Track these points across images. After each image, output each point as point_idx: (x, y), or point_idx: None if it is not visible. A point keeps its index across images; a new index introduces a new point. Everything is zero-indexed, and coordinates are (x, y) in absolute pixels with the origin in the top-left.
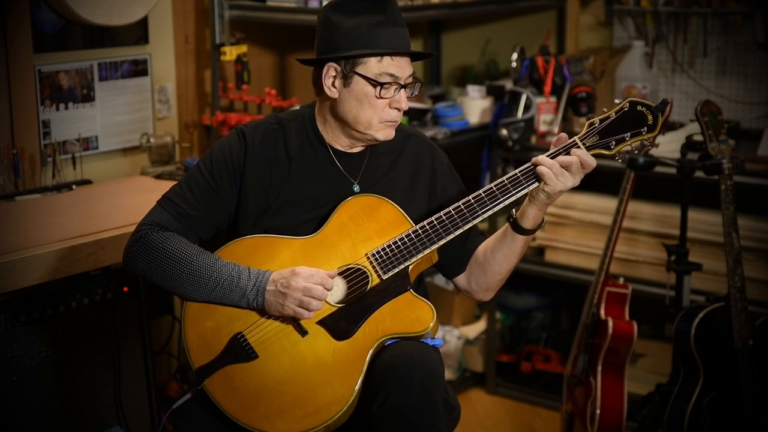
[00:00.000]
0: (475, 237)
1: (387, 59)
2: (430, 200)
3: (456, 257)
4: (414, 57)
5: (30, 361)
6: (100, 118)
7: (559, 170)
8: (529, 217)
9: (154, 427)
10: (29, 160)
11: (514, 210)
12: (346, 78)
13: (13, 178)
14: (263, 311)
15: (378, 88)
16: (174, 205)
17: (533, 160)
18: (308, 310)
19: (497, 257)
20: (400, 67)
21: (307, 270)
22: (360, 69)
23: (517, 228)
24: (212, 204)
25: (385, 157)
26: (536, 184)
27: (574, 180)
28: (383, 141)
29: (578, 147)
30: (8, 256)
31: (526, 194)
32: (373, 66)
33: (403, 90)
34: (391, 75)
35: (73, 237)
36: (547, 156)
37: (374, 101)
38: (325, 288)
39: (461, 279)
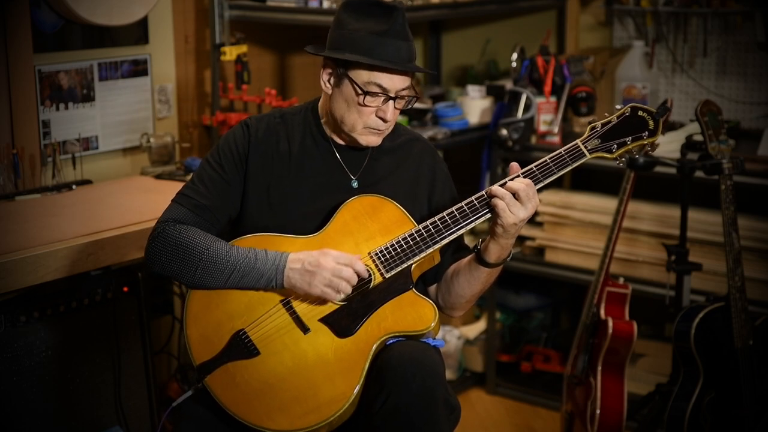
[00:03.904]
0: (457, 252)
1: (377, 70)
2: (429, 206)
3: (434, 267)
4: (401, 72)
5: (30, 361)
6: (100, 118)
7: (511, 200)
8: (491, 252)
9: (154, 427)
10: (29, 160)
11: (480, 240)
12: (339, 78)
13: (13, 178)
14: (266, 306)
15: (363, 96)
16: (188, 199)
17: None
18: (337, 291)
19: (460, 281)
20: (391, 80)
21: (335, 251)
22: (351, 73)
23: (480, 260)
24: (224, 193)
25: (388, 156)
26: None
27: (525, 210)
28: (365, 146)
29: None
30: (8, 256)
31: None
32: (362, 74)
33: (391, 101)
34: (379, 86)
35: (73, 237)
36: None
37: (359, 107)
38: (354, 269)
39: (432, 290)
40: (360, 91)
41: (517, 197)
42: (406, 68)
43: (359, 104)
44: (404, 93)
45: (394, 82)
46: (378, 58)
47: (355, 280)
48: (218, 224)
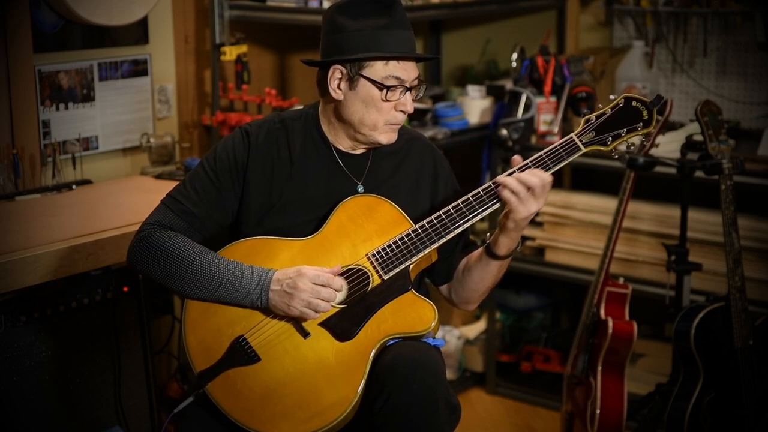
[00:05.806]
0: (466, 248)
1: (393, 62)
2: (432, 204)
3: (445, 266)
4: (419, 59)
5: (30, 361)
6: (100, 118)
7: (526, 195)
8: (501, 245)
9: (154, 428)
10: (29, 160)
11: (488, 234)
12: (351, 80)
13: (13, 178)
14: (265, 312)
15: (384, 91)
16: (177, 204)
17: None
18: (316, 311)
19: (473, 275)
20: (406, 70)
21: (312, 270)
22: (366, 72)
23: (490, 253)
24: (215, 202)
25: (388, 158)
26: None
27: (537, 204)
28: (385, 144)
29: (531, 167)
30: (8, 256)
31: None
32: (379, 69)
33: (408, 93)
34: (397, 78)
35: (73, 237)
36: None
37: (380, 104)
38: (332, 288)
39: (445, 288)
40: (381, 86)
41: (532, 192)
42: (421, 56)
43: (382, 100)
44: (415, 83)
45: (409, 72)
46: (390, 50)
47: (334, 298)
48: (205, 232)
